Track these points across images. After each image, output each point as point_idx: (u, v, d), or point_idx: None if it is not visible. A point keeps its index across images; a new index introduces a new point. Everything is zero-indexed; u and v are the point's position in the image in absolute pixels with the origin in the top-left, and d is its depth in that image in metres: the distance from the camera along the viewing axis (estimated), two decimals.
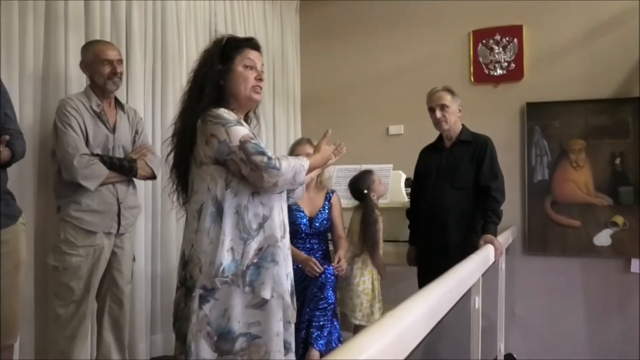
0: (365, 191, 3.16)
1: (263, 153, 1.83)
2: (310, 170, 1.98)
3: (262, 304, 1.88)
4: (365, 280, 3.07)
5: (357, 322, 3.05)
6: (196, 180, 1.95)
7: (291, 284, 2.01)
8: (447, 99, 2.99)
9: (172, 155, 2.05)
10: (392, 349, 1.01)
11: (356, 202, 3.29)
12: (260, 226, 1.90)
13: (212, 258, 1.84)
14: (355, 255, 3.10)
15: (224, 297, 1.85)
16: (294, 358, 2.07)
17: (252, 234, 1.88)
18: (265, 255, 1.89)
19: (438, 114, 2.98)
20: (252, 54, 2.02)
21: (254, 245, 1.87)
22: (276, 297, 1.89)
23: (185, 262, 1.94)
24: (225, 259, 1.84)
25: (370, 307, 3.05)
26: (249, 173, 1.85)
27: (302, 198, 2.82)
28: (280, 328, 1.91)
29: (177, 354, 1.99)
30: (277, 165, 1.82)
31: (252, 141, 1.85)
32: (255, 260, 1.87)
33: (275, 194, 1.95)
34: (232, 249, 1.86)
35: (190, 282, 1.89)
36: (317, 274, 2.84)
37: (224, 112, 1.91)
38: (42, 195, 2.62)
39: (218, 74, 1.97)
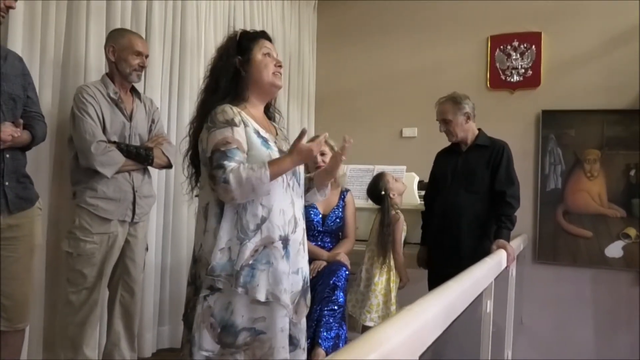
0: (383, 192, 3.13)
1: (221, 166, 1.80)
2: (274, 176, 1.83)
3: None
4: (383, 280, 3.04)
5: (370, 324, 2.98)
6: (202, 176, 1.99)
7: (304, 280, 2.00)
8: (449, 112, 2.96)
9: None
10: (408, 344, 1.00)
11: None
12: (258, 227, 1.87)
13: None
14: (375, 255, 3.07)
15: (228, 290, 1.85)
16: (304, 355, 2.05)
17: (249, 234, 1.86)
18: (261, 257, 1.87)
19: (442, 127, 3.01)
20: (267, 44, 2.07)
21: (250, 246, 1.85)
22: (272, 298, 1.86)
23: (195, 261, 1.97)
24: (218, 257, 1.84)
25: (385, 309, 3.02)
26: (213, 187, 1.85)
27: (319, 201, 2.80)
28: (285, 324, 1.90)
29: (184, 341, 2.02)
30: (227, 179, 1.78)
31: (222, 149, 1.83)
32: (250, 262, 1.85)
33: (280, 193, 1.91)
34: (229, 249, 1.86)
35: (199, 282, 1.92)
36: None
37: (222, 110, 1.90)
38: (57, 181, 2.63)
39: (239, 64, 2.00)
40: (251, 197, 1.84)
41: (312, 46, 5.06)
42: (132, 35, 2.63)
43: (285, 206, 1.93)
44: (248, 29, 2.20)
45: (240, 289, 1.83)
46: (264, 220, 1.87)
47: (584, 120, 4.12)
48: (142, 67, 2.60)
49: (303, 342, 2.05)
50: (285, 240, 1.91)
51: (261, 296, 1.84)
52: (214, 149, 1.84)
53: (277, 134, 2.09)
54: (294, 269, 1.95)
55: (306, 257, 2.04)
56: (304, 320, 2.07)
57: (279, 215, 1.90)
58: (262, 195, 1.85)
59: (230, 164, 1.80)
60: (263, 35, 2.10)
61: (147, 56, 2.64)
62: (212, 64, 2.08)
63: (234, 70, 2.00)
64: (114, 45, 2.54)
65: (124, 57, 2.53)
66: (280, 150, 1.97)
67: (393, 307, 3.02)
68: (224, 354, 1.85)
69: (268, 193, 1.85)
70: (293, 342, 1.98)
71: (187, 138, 2.07)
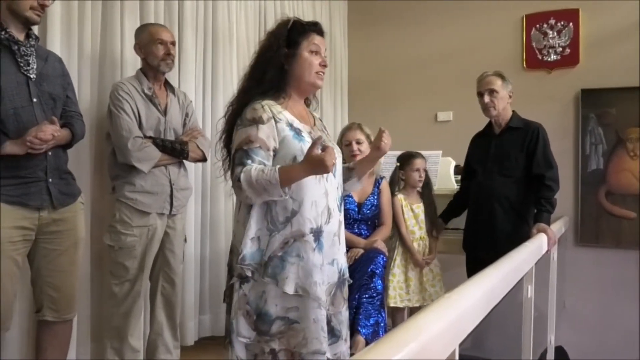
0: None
1: (239, 164, 1.81)
2: (286, 182, 1.77)
3: None
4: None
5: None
6: None
7: (340, 271, 1.98)
8: (498, 84, 2.91)
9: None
10: (448, 333, 1.00)
11: None
12: (288, 220, 1.86)
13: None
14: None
15: (258, 279, 1.86)
16: (345, 347, 2.03)
17: (278, 226, 1.86)
18: (291, 249, 1.85)
19: (487, 98, 2.91)
20: (317, 39, 1.97)
21: (279, 238, 1.85)
22: (301, 292, 1.85)
23: (230, 250, 2.00)
24: (248, 246, 1.85)
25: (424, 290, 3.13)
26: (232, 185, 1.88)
27: (356, 190, 2.79)
28: (318, 315, 1.87)
29: (226, 327, 2.03)
30: (239, 178, 1.78)
31: (244, 148, 1.83)
32: (279, 254, 1.85)
33: (313, 184, 1.87)
34: (258, 238, 1.86)
35: (232, 271, 1.93)
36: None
37: (252, 108, 1.88)
38: (97, 176, 2.70)
39: (284, 58, 1.93)
40: (267, 198, 1.82)
41: (344, 31, 5.02)
42: (152, 26, 2.66)
43: (317, 197, 1.90)
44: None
45: (268, 279, 1.84)
46: (294, 213, 1.86)
47: (626, 98, 4.00)
48: (169, 54, 2.60)
49: (345, 333, 2.04)
50: (317, 233, 1.88)
51: (290, 289, 1.84)
52: (237, 147, 1.85)
53: (315, 124, 2.05)
54: (329, 260, 1.93)
55: (343, 249, 2.02)
56: (345, 312, 2.05)
57: (311, 207, 1.87)
58: (277, 197, 1.81)
59: (247, 164, 1.80)
60: (315, 28, 1.99)
61: (172, 43, 2.64)
62: (260, 49, 2.00)
63: (279, 64, 1.94)
64: (139, 42, 2.60)
65: (149, 50, 2.57)
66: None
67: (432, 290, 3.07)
68: (260, 341, 1.87)
69: (282, 197, 1.80)
70: (335, 334, 1.98)
71: (223, 125, 2.04)
